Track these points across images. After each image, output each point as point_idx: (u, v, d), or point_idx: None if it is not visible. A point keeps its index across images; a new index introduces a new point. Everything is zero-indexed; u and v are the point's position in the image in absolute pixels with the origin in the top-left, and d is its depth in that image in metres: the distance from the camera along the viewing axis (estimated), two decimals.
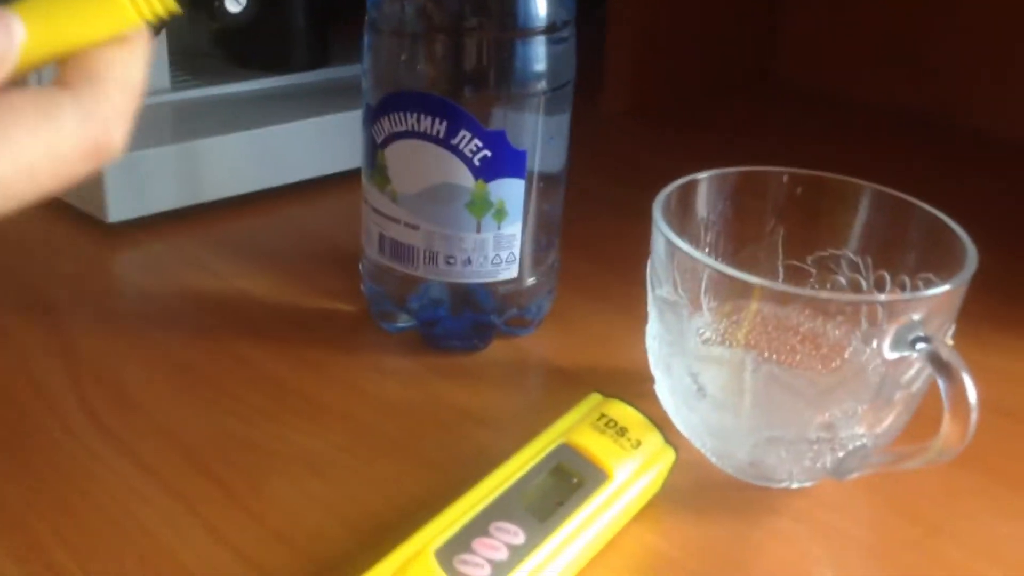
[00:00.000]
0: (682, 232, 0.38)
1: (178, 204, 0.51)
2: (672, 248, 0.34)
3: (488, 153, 0.38)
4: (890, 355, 0.31)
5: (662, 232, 0.34)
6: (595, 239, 0.52)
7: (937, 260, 0.35)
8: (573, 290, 0.47)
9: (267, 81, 0.59)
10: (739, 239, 0.39)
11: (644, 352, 0.38)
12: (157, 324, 0.44)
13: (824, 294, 0.32)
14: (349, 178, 0.56)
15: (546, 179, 0.41)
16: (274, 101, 0.57)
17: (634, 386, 0.39)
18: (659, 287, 0.35)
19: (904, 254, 0.37)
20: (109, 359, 0.41)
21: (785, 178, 0.39)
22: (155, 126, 0.53)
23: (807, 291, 0.31)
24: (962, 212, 0.36)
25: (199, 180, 0.52)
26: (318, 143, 0.56)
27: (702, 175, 0.38)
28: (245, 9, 0.53)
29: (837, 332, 0.36)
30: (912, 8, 0.72)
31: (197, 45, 0.59)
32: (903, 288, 0.37)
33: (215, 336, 0.43)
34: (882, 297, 0.31)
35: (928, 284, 0.36)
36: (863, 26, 0.76)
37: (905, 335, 0.31)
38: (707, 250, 0.39)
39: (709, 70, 0.77)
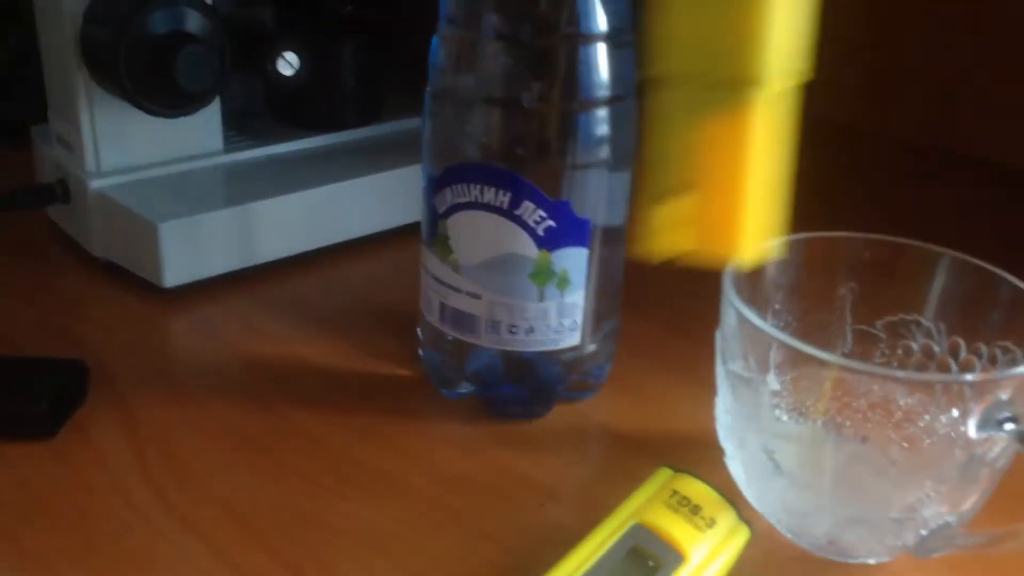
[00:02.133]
0: (752, 298, 0.37)
1: (233, 267, 0.51)
2: (743, 320, 0.33)
3: (552, 223, 0.38)
4: (977, 435, 0.30)
5: (733, 305, 0.33)
6: (652, 297, 0.52)
7: (1016, 329, 0.35)
8: (632, 351, 0.46)
9: (319, 139, 0.59)
10: (808, 302, 0.39)
11: (708, 417, 0.37)
12: (215, 392, 0.44)
13: (909, 375, 0.31)
14: (401, 234, 0.56)
15: (608, 243, 0.40)
16: (327, 159, 0.57)
17: (701, 455, 0.38)
18: (731, 361, 0.34)
19: (980, 322, 0.36)
20: (170, 431, 0.41)
21: (858, 243, 0.38)
22: (209, 189, 0.53)
23: (889, 371, 0.30)
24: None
25: (253, 242, 0.52)
26: (371, 201, 0.56)
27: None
28: (298, 71, 0.54)
29: (910, 400, 0.35)
30: (914, 27, 0.71)
31: (250, 106, 0.59)
32: (979, 356, 0.36)
33: (273, 404, 0.43)
34: (970, 377, 0.31)
35: (1006, 353, 0.35)
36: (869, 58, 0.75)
37: (992, 414, 0.30)
38: (776, 314, 0.38)
39: None
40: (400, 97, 0.64)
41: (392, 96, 0.63)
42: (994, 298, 0.35)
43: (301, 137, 0.58)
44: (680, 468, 0.35)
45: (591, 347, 0.42)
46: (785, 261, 0.38)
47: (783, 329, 0.38)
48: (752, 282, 0.38)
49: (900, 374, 0.31)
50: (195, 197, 0.51)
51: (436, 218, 0.40)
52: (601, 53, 0.37)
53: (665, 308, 0.51)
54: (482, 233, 0.39)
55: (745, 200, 0.29)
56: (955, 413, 0.31)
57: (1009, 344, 0.35)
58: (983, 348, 0.36)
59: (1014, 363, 0.35)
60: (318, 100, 0.59)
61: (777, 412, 0.34)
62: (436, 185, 0.39)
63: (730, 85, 0.28)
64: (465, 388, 0.43)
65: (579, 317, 0.40)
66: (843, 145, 0.75)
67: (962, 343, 0.36)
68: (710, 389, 0.37)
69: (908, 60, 0.76)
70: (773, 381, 0.35)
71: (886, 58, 0.77)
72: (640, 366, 0.46)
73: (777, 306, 0.39)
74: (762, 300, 0.38)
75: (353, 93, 0.60)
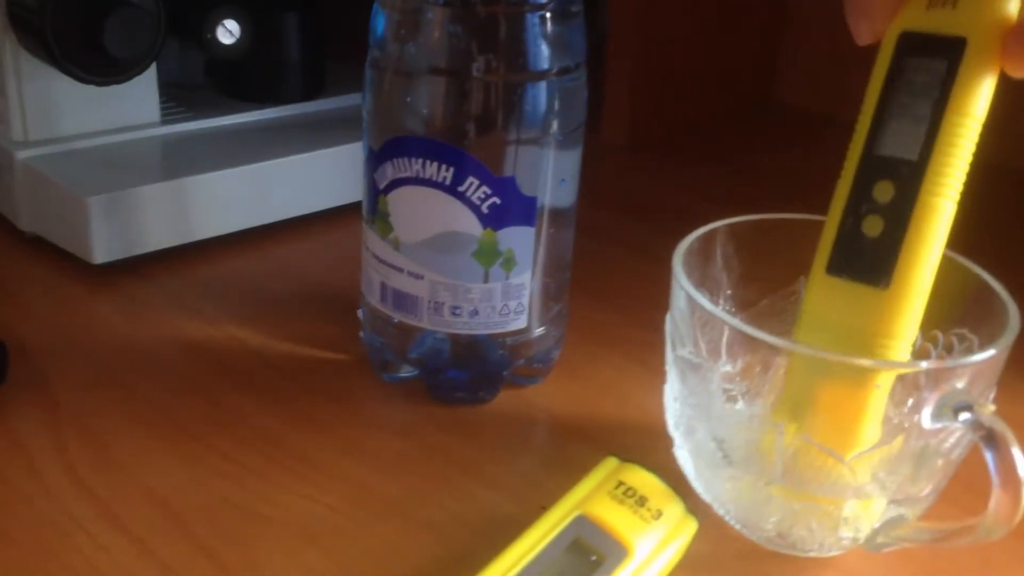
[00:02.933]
0: (702, 281, 0.36)
1: (167, 244, 0.49)
2: (694, 306, 0.32)
3: (497, 200, 0.36)
4: (931, 425, 0.29)
5: (683, 288, 0.32)
6: (601, 279, 0.50)
7: (973, 317, 0.34)
8: (581, 334, 0.45)
9: (261, 113, 0.57)
10: (762, 287, 0.37)
11: (657, 404, 0.36)
12: (144, 374, 0.42)
13: (864, 362, 0.30)
14: (345, 213, 0.54)
15: (556, 224, 0.39)
16: (268, 134, 0.55)
17: (650, 444, 0.37)
18: (680, 346, 0.33)
19: (937, 307, 0.35)
20: (93, 413, 0.39)
21: (813, 226, 0.37)
22: (143, 162, 0.50)
23: (846, 358, 0.29)
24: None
25: (189, 218, 0.50)
26: (313, 178, 0.53)
27: (721, 223, 0.36)
28: (238, 41, 0.51)
29: None
30: None
31: (188, 75, 0.57)
32: (935, 344, 0.35)
33: (205, 388, 0.41)
34: (925, 364, 0.29)
35: (963, 341, 0.34)
36: (863, 50, 0.74)
37: (947, 403, 0.29)
38: (728, 300, 0.37)
39: (708, 98, 0.76)
40: (345, 70, 0.62)
41: (337, 69, 0.61)
42: (948, 281, 0.33)
43: (242, 110, 0.56)
44: (627, 458, 0.33)
45: (538, 331, 0.40)
46: (738, 243, 0.37)
47: (734, 315, 0.37)
48: (703, 265, 0.36)
49: (852, 360, 0.29)
50: (128, 170, 0.49)
51: (376, 194, 0.38)
52: (549, 22, 0.36)
53: (616, 291, 0.50)
54: (424, 210, 0.37)
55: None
56: (909, 402, 0.30)
57: (966, 332, 0.34)
58: (939, 335, 0.35)
59: (971, 352, 0.34)
60: (260, 71, 0.57)
61: (726, 399, 0.32)
62: (376, 159, 0.38)
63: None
64: (407, 372, 0.41)
65: (525, 299, 0.39)
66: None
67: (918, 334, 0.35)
68: (661, 376, 0.36)
69: None
70: (724, 366, 0.33)
71: None
72: (589, 351, 0.45)
73: (729, 291, 0.37)
74: (713, 283, 0.37)
75: (296, 65, 0.58)
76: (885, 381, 0.30)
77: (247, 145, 0.53)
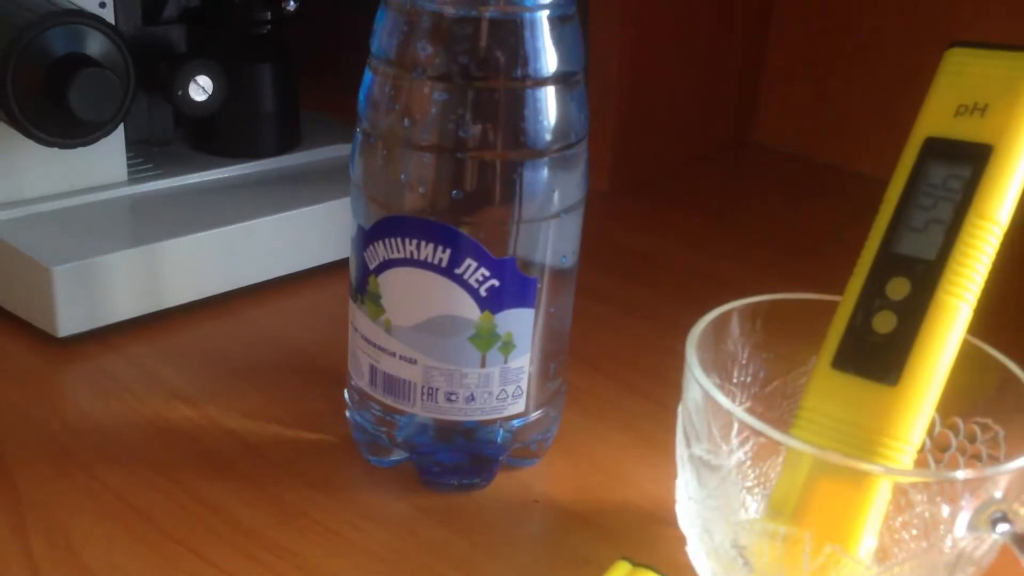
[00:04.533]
0: (714, 367, 0.34)
1: (136, 313, 0.47)
2: (710, 400, 0.30)
3: (496, 283, 0.34)
4: (965, 535, 0.28)
5: (699, 383, 0.30)
6: (593, 342, 0.48)
7: (997, 406, 0.32)
8: (580, 409, 0.43)
9: (234, 168, 0.54)
10: (776, 369, 0.36)
11: (665, 488, 0.34)
12: (112, 460, 0.39)
13: (897, 474, 0.28)
14: (324, 273, 0.52)
15: (556, 301, 0.37)
16: (242, 191, 0.53)
17: (659, 535, 0.35)
18: (695, 443, 0.31)
19: (957, 395, 0.33)
20: (57, 505, 0.36)
21: (822, 306, 0.35)
22: (110, 226, 0.48)
23: (870, 466, 0.28)
24: None
25: (159, 285, 0.47)
26: (291, 237, 0.51)
27: (734, 305, 0.35)
28: (211, 97, 0.49)
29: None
30: (895, 74, 0.70)
31: (157, 131, 0.54)
32: (955, 432, 0.34)
33: (177, 476, 0.38)
34: (960, 475, 0.28)
35: (986, 431, 0.33)
36: (845, 92, 0.73)
37: (984, 513, 0.27)
38: (740, 383, 0.35)
39: (688, 139, 0.74)
40: (322, 121, 0.59)
41: (313, 120, 0.59)
42: (978, 374, 0.32)
43: (215, 166, 0.53)
44: (639, 562, 0.31)
45: (536, 413, 0.38)
46: (753, 322, 0.35)
47: (751, 396, 0.36)
48: (716, 344, 0.35)
49: (879, 469, 0.28)
50: (94, 235, 0.46)
51: (366, 273, 0.36)
52: (551, 97, 0.34)
53: (609, 355, 0.48)
54: (418, 292, 0.35)
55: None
56: (943, 509, 0.28)
57: (990, 422, 0.32)
58: (959, 423, 0.33)
59: (996, 443, 0.32)
60: (233, 125, 0.54)
61: (748, 500, 0.31)
62: (367, 237, 0.35)
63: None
64: (397, 456, 0.39)
65: (524, 383, 0.37)
66: None
67: (937, 417, 0.34)
68: (667, 454, 0.34)
69: None
70: (736, 451, 0.32)
71: None
72: (589, 427, 0.43)
73: (741, 373, 0.36)
74: (724, 366, 0.35)
75: (271, 118, 0.55)
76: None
77: (220, 204, 0.51)
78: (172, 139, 0.54)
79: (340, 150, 0.57)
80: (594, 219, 0.64)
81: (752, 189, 0.72)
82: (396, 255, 0.34)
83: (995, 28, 0.63)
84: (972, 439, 0.33)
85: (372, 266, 0.35)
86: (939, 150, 0.31)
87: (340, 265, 0.38)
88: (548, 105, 0.34)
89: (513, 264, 0.34)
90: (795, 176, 0.73)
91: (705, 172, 0.73)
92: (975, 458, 0.33)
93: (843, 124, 0.73)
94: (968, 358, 0.31)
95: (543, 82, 0.33)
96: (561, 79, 0.34)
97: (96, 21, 0.44)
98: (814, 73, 0.75)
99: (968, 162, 0.30)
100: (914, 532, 0.31)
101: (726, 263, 0.59)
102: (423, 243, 0.34)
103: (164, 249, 0.47)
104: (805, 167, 0.74)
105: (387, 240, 0.35)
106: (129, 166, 0.51)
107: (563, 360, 0.39)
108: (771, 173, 0.74)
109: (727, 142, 0.78)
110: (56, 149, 0.46)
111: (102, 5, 0.47)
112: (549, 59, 0.33)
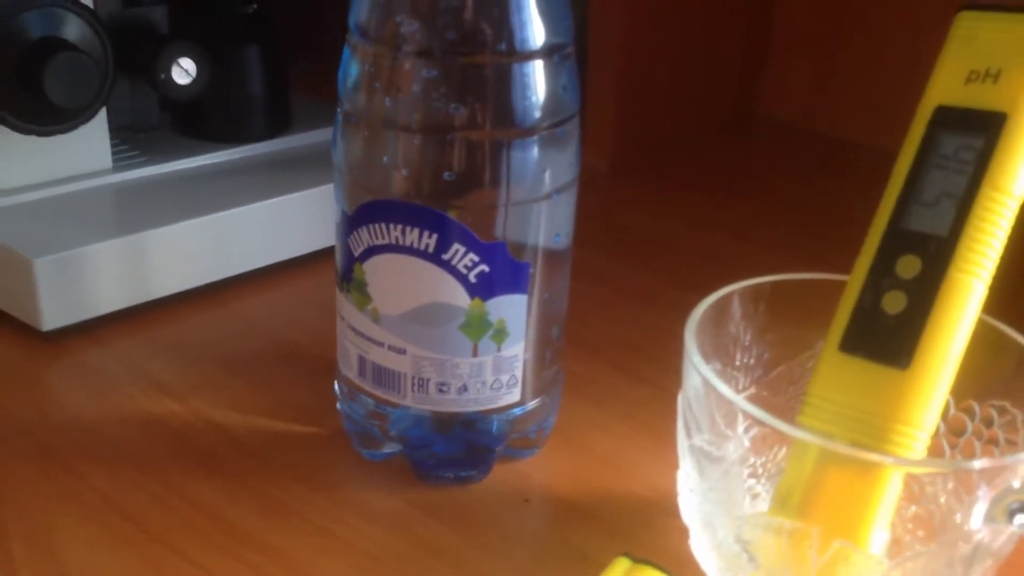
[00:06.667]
0: (715, 349, 0.33)
1: (123, 305, 0.45)
2: (710, 388, 0.28)
3: (486, 268, 0.33)
4: (982, 526, 0.26)
5: (698, 370, 0.29)
6: (592, 327, 0.47)
7: (1014, 389, 0.31)
8: (579, 397, 0.41)
9: (222, 154, 0.53)
10: (779, 351, 0.34)
11: (665, 478, 0.33)
12: (96, 459, 0.38)
13: (911, 465, 0.27)
14: (317, 259, 0.51)
15: (551, 285, 0.35)
16: (231, 177, 0.51)
17: (661, 527, 0.34)
18: (697, 433, 0.30)
19: (972, 377, 0.32)
20: (39, 506, 0.35)
21: (828, 286, 0.34)
22: (95, 215, 0.46)
23: (887, 458, 0.26)
24: None
25: (146, 275, 0.46)
26: (281, 224, 0.50)
27: (734, 288, 0.33)
28: (195, 80, 0.48)
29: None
30: (903, 43, 0.68)
31: (142, 117, 0.53)
32: (971, 416, 0.32)
33: (162, 472, 0.37)
34: (977, 464, 0.26)
35: (1003, 414, 0.31)
36: (851, 63, 0.72)
37: (1001, 503, 0.26)
38: (743, 367, 0.34)
39: (688, 115, 0.72)
40: (313, 103, 0.58)
41: (304, 102, 0.57)
42: (993, 355, 0.30)
43: (202, 152, 0.52)
44: (640, 558, 0.30)
45: (533, 402, 0.37)
46: (752, 306, 0.34)
47: (750, 384, 0.34)
48: (715, 331, 0.33)
49: (889, 460, 0.26)
50: (78, 226, 0.45)
51: (352, 260, 0.34)
52: (539, 71, 0.32)
53: (608, 340, 0.47)
54: (405, 280, 0.33)
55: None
56: (958, 500, 0.27)
57: (1007, 405, 0.31)
58: (975, 407, 0.32)
59: (1013, 427, 0.31)
60: (220, 109, 0.53)
61: (755, 491, 0.29)
62: (351, 223, 0.34)
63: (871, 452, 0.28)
64: (390, 448, 0.38)
65: (519, 371, 0.35)
66: None
67: (951, 400, 0.32)
68: (670, 443, 0.33)
69: None
70: (746, 456, 0.30)
71: None
72: (588, 415, 0.41)
73: (743, 358, 0.34)
74: (726, 351, 0.34)
75: (259, 101, 0.54)
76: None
77: (208, 191, 0.49)
78: (158, 125, 0.53)
79: (331, 133, 0.55)
80: (594, 199, 0.63)
81: (757, 165, 0.70)
82: (381, 241, 0.33)
83: None
84: (988, 423, 0.31)
85: (357, 253, 0.34)
86: (950, 119, 0.29)
87: (333, 251, 0.36)
88: (536, 80, 0.32)
89: (503, 248, 0.33)
90: (801, 151, 0.71)
91: (708, 149, 0.71)
92: (992, 443, 0.31)
93: (850, 96, 0.71)
94: (983, 338, 0.30)
95: (530, 56, 0.32)
96: (549, 52, 0.32)
97: (71, 3, 0.42)
98: (819, 44, 0.73)
99: (981, 131, 0.28)
100: (928, 524, 0.29)
101: (731, 242, 0.57)
102: (408, 228, 0.32)
103: (150, 238, 0.45)
104: (811, 141, 0.72)
105: (371, 226, 0.33)
106: (113, 153, 0.49)
107: (559, 346, 0.38)
108: (776, 148, 0.72)
109: (731, 117, 0.76)
110: (37, 137, 0.44)
111: None
112: (536, 31, 0.32)
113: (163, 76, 0.46)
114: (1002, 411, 0.31)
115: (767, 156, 0.71)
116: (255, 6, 0.52)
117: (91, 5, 0.45)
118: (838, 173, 0.67)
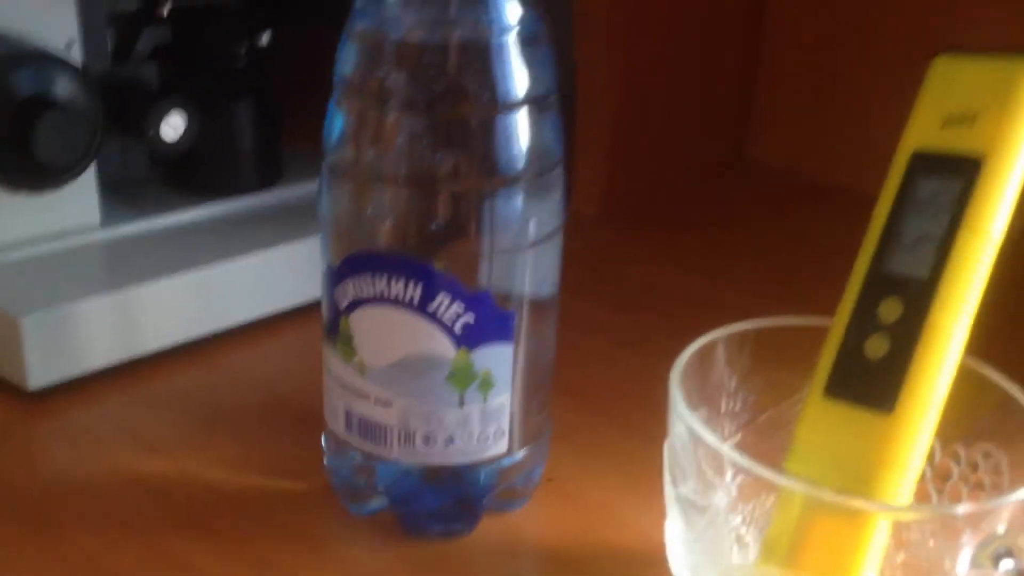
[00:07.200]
0: (701, 396, 0.33)
1: (111, 362, 0.45)
2: (697, 438, 0.28)
3: (471, 318, 0.33)
4: (969, 572, 0.26)
5: (684, 420, 0.29)
6: (581, 375, 0.47)
7: (997, 431, 0.31)
8: (564, 443, 0.41)
9: (212, 207, 0.53)
10: (767, 398, 0.34)
11: (657, 528, 0.33)
12: (84, 520, 0.37)
13: (899, 512, 0.27)
14: (305, 312, 0.50)
15: (537, 333, 0.35)
16: (221, 230, 0.51)
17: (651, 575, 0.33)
18: (682, 482, 0.29)
19: (956, 420, 0.32)
20: (23, 564, 0.35)
21: (813, 332, 0.34)
22: (83, 271, 0.46)
23: (877, 505, 0.26)
24: None
25: (135, 331, 0.46)
26: (272, 277, 0.50)
27: (719, 334, 0.33)
28: (183, 136, 0.48)
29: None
30: (888, 88, 0.68)
31: (131, 170, 0.53)
32: (956, 460, 0.32)
33: (150, 532, 0.37)
34: (960, 509, 0.26)
35: (988, 458, 0.31)
36: (839, 108, 0.72)
37: (986, 549, 0.26)
38: (729, 413, 0.34)
39: (680, 160, 0.73)
40: (304, 154, 0.58)
41: (295, 153, 0.57)
42: (976, 397, 0.30)
43: (191, 205, 0.52)
44: None
45: (521, 452, 0.36)
46: (738, 352, 0.34)
47: (737, 430, 0.34)
48: (701, 378, 0.33)
49: (874, 506, 0.26)
50: (66, 282, 0.45)
51: (337, 314, 0.34)
52: (522, 121, 0.32)
53: (598, 389, 0.47)
54: (391, 331, 0.33)
55: None
56: (944, 545, 0.26)
57: (992, 448, 0.31)
58: (960, 452, 0.32)
59: (998, 470, 0.30)
60: (211, 163, 0.53)
61: (743, 540, 0.29)
62: (336, 276, 0.34)
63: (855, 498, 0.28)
64: (378, 503, 0.37)
65: (506, 422, 0.35)
66: None
67: (937, 444, 0.32)
68: (656, 494, 0.33)
69: None
70: (734, 505, 0.30)
71: None
72: (577, 464, 0.41)
73: (730, 404, 0.34)
74: (712, 398, 0.34)
75: (250, 153, 0.54)
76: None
77: (197, 245, 0.49)
78: (147, 177, 0.53)
79: None
80: (583, 245, 0.63)
81: (746, 209, 0.70)
82: (366, 293, 0.33)
83: (995, 35, 0.62)
84: (974, 467, 0.31)
85: (342, 306, 0.34)
86: (928, 164, 0.29)
87: (319, 305, 0.36)
88: (519, 130, 0.32)
89: (488, 298, 0.33)
90: (789, 195, 0.71)
91: (698, 194, 0.71)
92: (978, 487, 0.31)
93: (836, 140, 0.72)
94: (966, 380, 0.30)
95: (513, 106, 0.32)
96: (532, 102, 0.32)
97: (60, 61, 0.43)
98: (806, 89, 0.74)
99: (958, 175, 0.28)
100: (917, 570, 0.29)
101: (720, 286, 0.57)
102: (393, 279, 0.32)
103: (139, 293, 0.45)
104: (799, 185, 0.72)
105: (356, 278, 0.33)
106: (103, 208, 0.49)
107: (547, 395, 0.38)
108: (764, 192, 0.73)
109: (720, 162, 0.76)
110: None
111: (70, 44, 0.46)
112: (518, 82, 0.32)
113: (152, 132, 0.47)
114: (987, 455, 0.31)
115: (756, 200, 0.72)
116: (245, 61, 0.53)
117: (80, 63, 0.45)
118: (826, 216, 0.67)
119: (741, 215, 0.69)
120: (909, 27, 0.67)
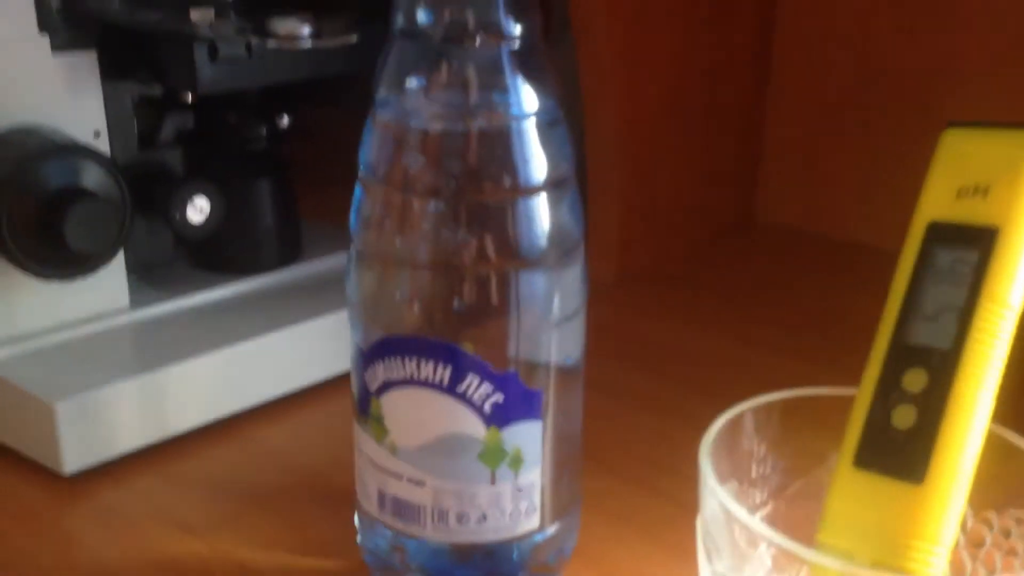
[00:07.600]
0: (731, 467, 0.33)
1: (143, 443, 0.46)
2: (729, 514, 0.29)
3: (499, 398, 0.33)
4: None
5: (715, 495, 0.29)
6: (607, 441, 0.47)
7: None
8: (597, 513, 0.41)
9: (236, 285, 0.54)
10: (798, 463, 0.35)
11: None
12: None
13: None
14: (333, 384, 0.51)
15: (564, 408, 0.36)
16: (246, 307, 0.52)
17: None
18: (717, 559, 0.30)
19: (987, 487, 0.32)
20: None
21: (840, 401, 0.34)
22: (114, 355, 0.47)
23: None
24: None
25: (166, 411, 0.46)
26: (299, 352, 0.50)
27: (747, 405, 0.33)
28: (209, 218, 0.49)
29: None
30: (895, 146, 0.69)
31: (157, 253, 0.54)
32: (989, 527, 0.32)
33: None
34: None
35: (1021, 524, 0.31)
36: (842, 165, 0.73)
37: None
38: (759, 484, 0.34)
39: (692, 224, 0.74)
40: (323, 229, 0.59)
41: (314, 228, 0.58)
42: (1008, 467, 0.31)
43: (216, 284, 0.53)
44: None
45: (552, 527, 0.37)
46: (768, 420, 0.34)
47: (773, 495, 0.34)
48: (731, 446, 0.33)
49: None
50: (97, 366, 0.46)
51: (368, 395, 0.35)
52: (544, 204, 0.33)
53: (624, 454, 0.47)
54: (421, 412, 0.34)
55: None
56: None
57: (1023, 514, 0.31)
58: (993, 518, 0.32)
59: None
60: (234, 242, 0.54)
61: None
62: (366, 359, 0.35)
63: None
64: None
65: (537, 498, 0.35)
66: None
67: (969, 511, 0.32)
68: (689, 557, 0.33)
69: None
70: (766, 559, 0.30)
71: None
72: (607, 533, 0.41)
73: (759, 475, 0.34)
74: (744, 462, 0.34)
75: (271, 231, 0.55)
76: None
77: (224, 323, 0.50)
78: (173, 258, 0.54)
79: (342, 258, 0.56)
80: (602, 311, 0.63)
81: (760, 269, 0.71)
82: (396, 376, 0.34)
83: (995, 103, 0.63)
84: (1007, 534, 0.31)
85: (373, 388, 0.35)
86: (944, 234, 0.30)
87: (349, 376, 0.37)
88: (541, 213, 0.33)
89: (516, 378, 0.34)
90: (800, 253, 0.72)
91: (712, 255, 0.72)
92: (1011, 554, 0.31)
93: (844, 196, 0.73)
94: (994, 447, 0.30)
95: (535, 190, 0.33)
96: (552, 184, 0.33)
97: (89, 152, 0.44)
98: (810, 147, 0.75)
99: (975, 246, 0.29)
100: None
101: (739, 347, 0.58)
102: (423, 362, 0.33)
103: (169, 375, 0.46)
104: (810, 242, 0.73)
105: (386, 361, 0.34)
106: (130, 291, 0.50)
107: (577, 466, 0.38)
108: (776, 251, 0.73)
109: (731, 223, 0.77)
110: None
111: (97, 134, 0.47)
112: (539, 166, 0.33)
113: (177, 216, 0.48)
114: (1019, 520, 0.31)
115: (768, 259, 0.72)
116: (265, 143, 0.54)
117: (108, 151, 0.47)
118: (838, 273, 0.68)
119: (754, 274, 0.70)
120: (912, 89, 0.68)
